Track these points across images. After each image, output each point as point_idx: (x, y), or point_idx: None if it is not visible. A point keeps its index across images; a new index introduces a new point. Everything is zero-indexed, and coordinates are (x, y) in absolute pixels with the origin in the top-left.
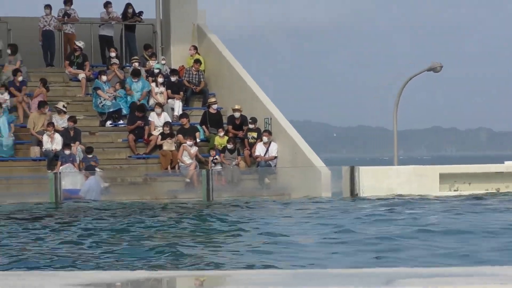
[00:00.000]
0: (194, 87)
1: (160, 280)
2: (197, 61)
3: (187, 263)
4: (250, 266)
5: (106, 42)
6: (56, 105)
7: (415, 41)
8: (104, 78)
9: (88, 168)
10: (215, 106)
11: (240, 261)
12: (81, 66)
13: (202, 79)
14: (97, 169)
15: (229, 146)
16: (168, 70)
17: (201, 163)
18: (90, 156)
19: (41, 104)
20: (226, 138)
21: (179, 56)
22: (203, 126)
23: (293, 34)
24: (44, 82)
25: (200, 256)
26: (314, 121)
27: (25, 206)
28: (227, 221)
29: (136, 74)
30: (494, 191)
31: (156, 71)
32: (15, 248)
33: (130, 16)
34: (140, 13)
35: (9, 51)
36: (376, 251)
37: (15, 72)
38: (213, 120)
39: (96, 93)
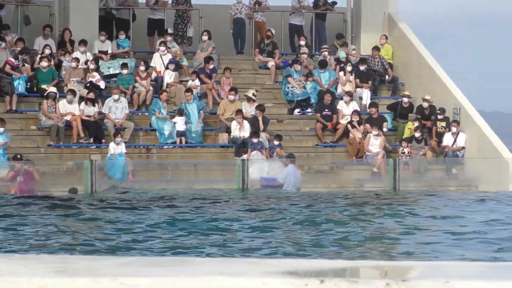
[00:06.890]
0: (387, 77)
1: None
2: (376, 48)
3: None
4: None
5: (296, 31)
6: (246, 93)
7: None
8: (298, 67)
9: (289, 156)
10: (406, 100)
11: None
12: (270, 54)
13: (387, 67)
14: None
15: (417, 135)
16: (357, 59)
17: (389, 152)
18: (277, 143)
19: (231, 91)
20: (413, 125)
21: (369, 45)
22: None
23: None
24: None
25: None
26: (506, 112)
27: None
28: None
29: (322, 65)
30: None
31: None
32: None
33: (321, 5)
34: (334, 3)
35: (205, 37)
36: None
37: (207, 59)
38: (403, 113)
39: (287, 79)
